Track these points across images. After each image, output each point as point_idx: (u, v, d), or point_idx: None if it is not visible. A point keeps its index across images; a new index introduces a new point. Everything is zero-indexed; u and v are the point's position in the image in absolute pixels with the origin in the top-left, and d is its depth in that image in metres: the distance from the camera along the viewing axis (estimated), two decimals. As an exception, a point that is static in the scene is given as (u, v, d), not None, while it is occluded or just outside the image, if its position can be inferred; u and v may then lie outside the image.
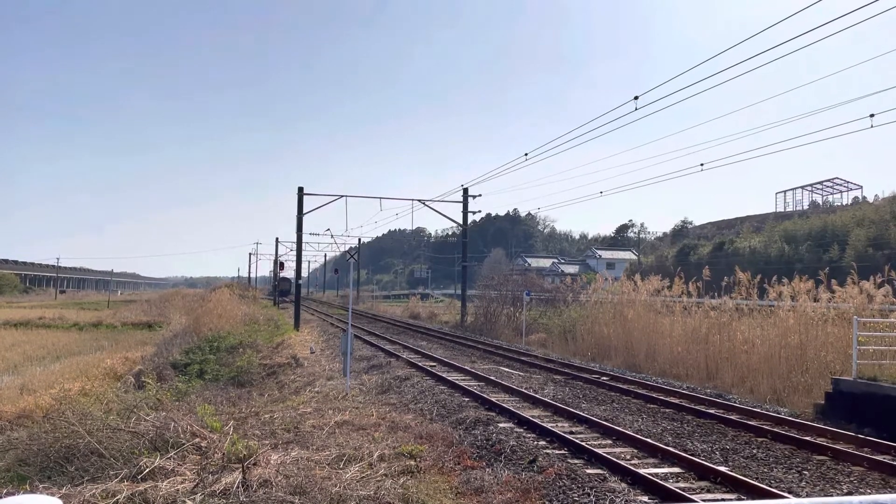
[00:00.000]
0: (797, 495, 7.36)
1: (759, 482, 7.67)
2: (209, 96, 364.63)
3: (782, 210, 71.37)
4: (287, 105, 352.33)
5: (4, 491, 7.75)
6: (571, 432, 10.27)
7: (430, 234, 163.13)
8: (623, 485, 7.70)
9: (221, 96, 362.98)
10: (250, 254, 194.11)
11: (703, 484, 7.80)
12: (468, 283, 41.10)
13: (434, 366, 18.38)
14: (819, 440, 9.94)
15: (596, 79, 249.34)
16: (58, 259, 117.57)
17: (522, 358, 20.81)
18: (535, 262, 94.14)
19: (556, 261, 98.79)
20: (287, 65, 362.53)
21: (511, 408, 11.96)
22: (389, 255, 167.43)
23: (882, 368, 12.18)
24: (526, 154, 27.97)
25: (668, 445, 9.40)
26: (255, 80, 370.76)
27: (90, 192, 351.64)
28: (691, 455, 8.89)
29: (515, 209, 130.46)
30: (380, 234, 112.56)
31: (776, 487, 7.54)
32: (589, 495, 7.28)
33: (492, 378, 15.81)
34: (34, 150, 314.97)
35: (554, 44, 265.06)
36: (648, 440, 9.59)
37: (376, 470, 7.88)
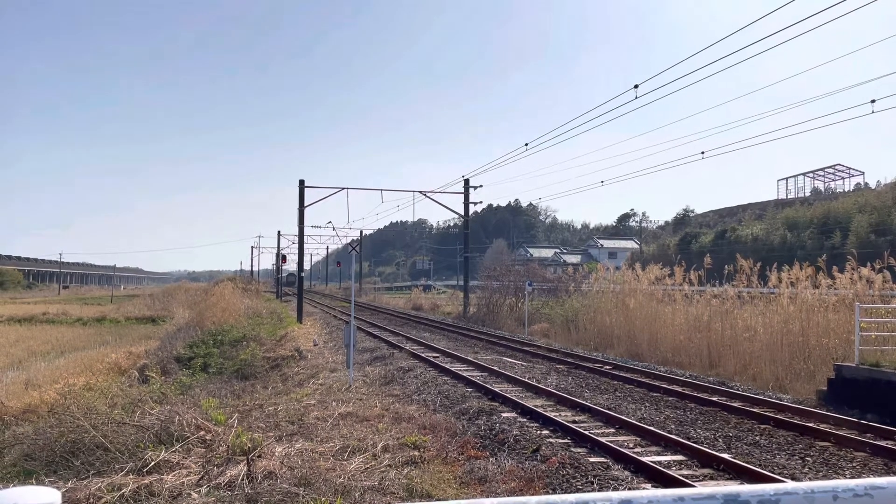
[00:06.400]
0: (799, 482, 7.38)
1: (761, 469, 7.70)
2: (210, 87, 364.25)
3: (784, 197, 71.17)
4: (288, 98, 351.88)
5: (11, 486, 7.80)
6: (574, 421, 10.30)
7: (431, 225, 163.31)
8: (626, 473, 7.73)
9: (222, 87, 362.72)
10: (252, 247, 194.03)
11: (706, 471, 7.83)
12: (470, 274, 41.08)
13: (437, 357, 18.42)
14: (822, 426, 9.95)
15: (596, 69, 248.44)
16: (60, 254, 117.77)
17: (525, 348, 20.84)
18: (536, 253, 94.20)
19: (557, 251, 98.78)
20: (287, 56, 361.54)
21: (514, 398, 11.99)
22: (391, 246, 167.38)
23: (884, 354, 12.19)
24: (526, 144, 27.88)
25: (671, 433, 9.43)
26: (255, 71, 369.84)
27: (91, 185, 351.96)
28: (694, 443, 8.92)
29: (517, 200, 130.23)
30: (382, 226, 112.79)
31: (779, 474, 7.56)
32: (592, 484, 7.32)
33: (495, 368, 15.84)
34: (35, 142, 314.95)
35: (551, 34, 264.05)
36: (651, 428, 9.61)
37: (380, 461, 7.92)
